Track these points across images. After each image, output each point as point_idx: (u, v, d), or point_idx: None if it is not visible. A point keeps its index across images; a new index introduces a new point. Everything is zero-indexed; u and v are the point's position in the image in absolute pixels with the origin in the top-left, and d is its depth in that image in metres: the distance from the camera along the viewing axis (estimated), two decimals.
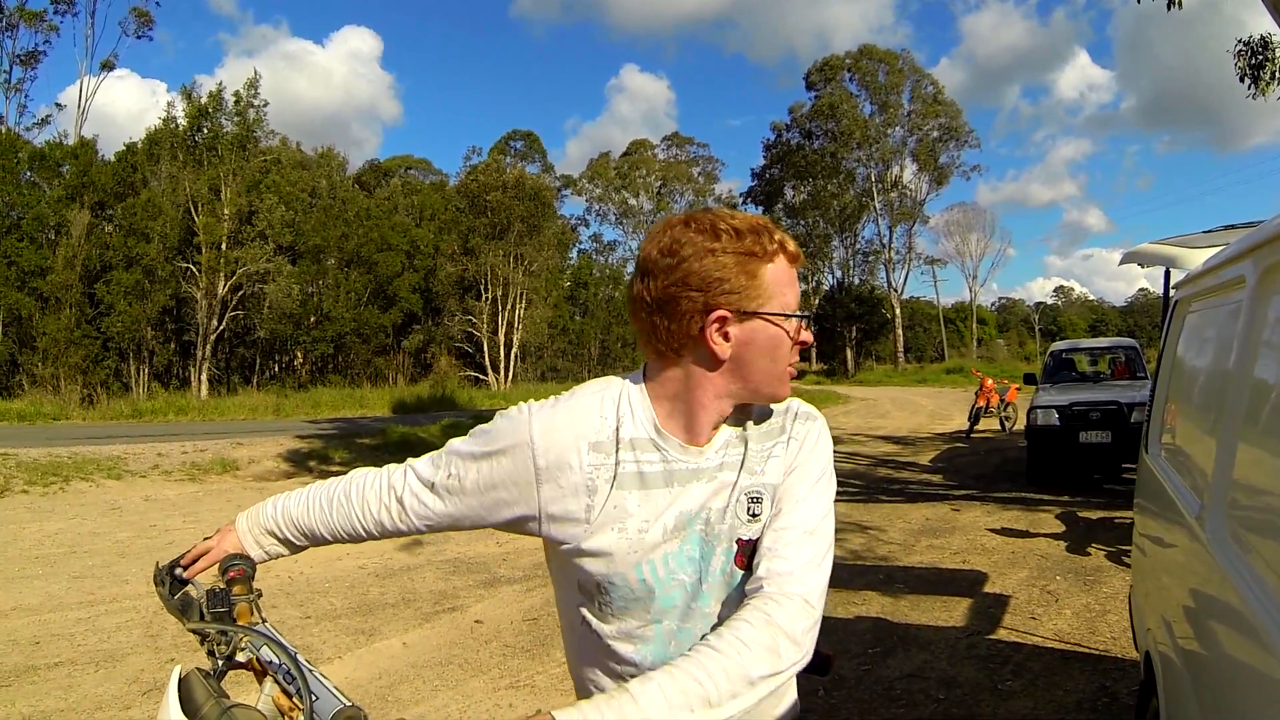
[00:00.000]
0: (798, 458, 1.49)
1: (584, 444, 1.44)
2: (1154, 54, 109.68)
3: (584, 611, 1.51)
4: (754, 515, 1.46)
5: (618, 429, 1.46)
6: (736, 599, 1.43)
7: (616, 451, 1.44)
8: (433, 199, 46.71)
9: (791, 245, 1.47)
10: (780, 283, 1.44)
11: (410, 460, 1.61)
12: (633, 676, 1.39)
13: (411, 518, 1.57)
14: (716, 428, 1.49)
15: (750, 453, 1.48)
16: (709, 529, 1.45)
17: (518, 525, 1.52)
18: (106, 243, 31.61)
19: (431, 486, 1.54)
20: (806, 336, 1.49)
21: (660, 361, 1.46)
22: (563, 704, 1.16)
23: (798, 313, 1.48)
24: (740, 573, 1.46)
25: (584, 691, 1.55)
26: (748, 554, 1.45)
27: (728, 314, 1.39)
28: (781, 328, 1.44)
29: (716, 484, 1.46)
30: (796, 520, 1.43)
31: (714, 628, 1.40)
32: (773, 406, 1.54)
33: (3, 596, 6.72)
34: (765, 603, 1.31)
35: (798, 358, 1.50)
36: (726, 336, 1.40)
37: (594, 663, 1.54)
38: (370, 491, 1.61)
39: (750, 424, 1.51)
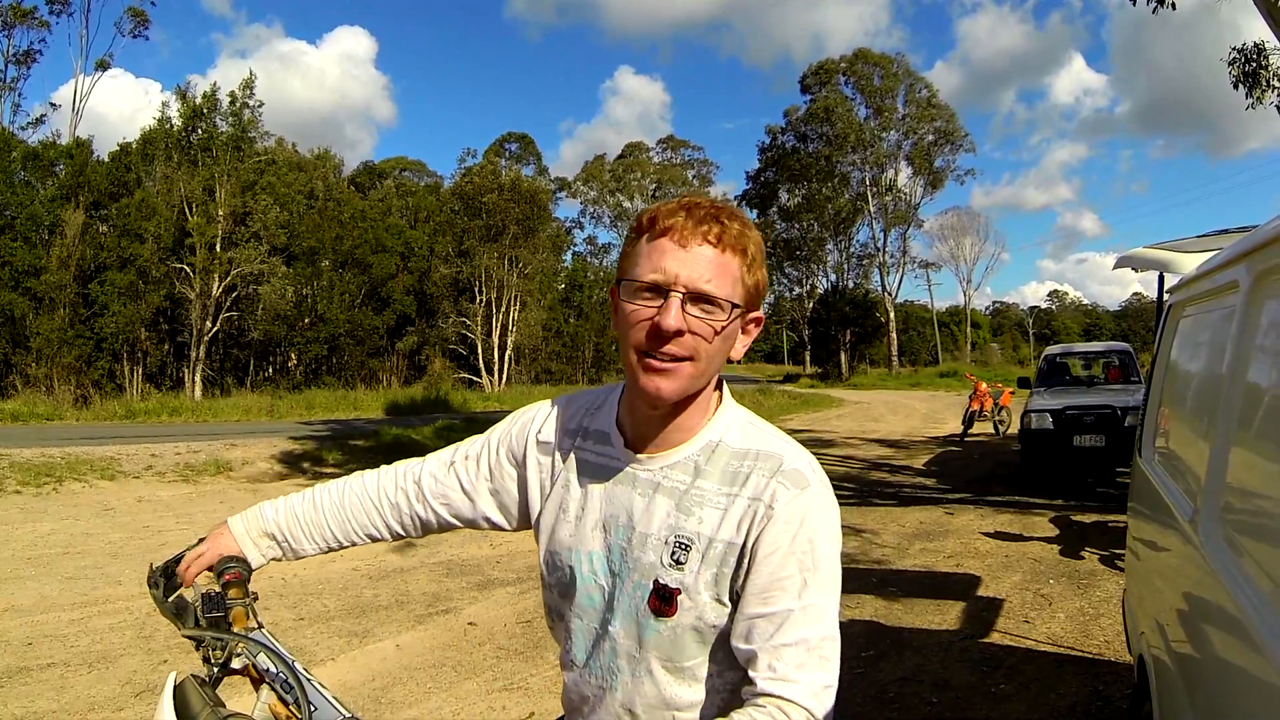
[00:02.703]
0: (776, 538, 1.29)
1: (565, 425, 1.55)
2: (1149, 59, 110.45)
3: (544, 589, 1.57)
4: (678, 563, 1.33)
5: (591, 417, 1.53)
6: (656, 646, 1.36)
7: (577, 438, 1.52)
8: (427, 201, 46.64)
9: (663, 219, 1.31)
10: (642, 253, 1.32)
11: (427, 455, 1.69)
12: (574, 678, 1.50)
13: (429, 498, 1.63)
14: (672, 439, 1.40)
15: (693, 489, 1.36)
16: (629, 548, 1.38)
17: (517, 501, 1.61)
18: (101, 243, 31.49)
19: (450, 464, 1.63)
20: (662, 319, 1.26)
21: None
22: (556, 707, 1.16)
23: (635, 279, 1.30)
24: (652, 617, 1.35)
25: (569, 688, 1.56)
26: (662, 599, 1.34)
27: (615, 287, 1.38)
28: (623, 300, 1.33)
29: (648, 504, 1.38)
30: (796, 635, 1.25)
31: (645, 676, 1.39)
32: (747, 446, 1.38)
33: None
34: (779, 716, 1.21)
35: (659, 343, 1.28)
36: (616, 310, 1.38)
37: (562, 656, 1.56)
38: (386, 478, 1.68)
39: (714, 453, 1.38)
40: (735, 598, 1.32)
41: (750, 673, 1.27)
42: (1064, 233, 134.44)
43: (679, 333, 1.27)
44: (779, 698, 1.22)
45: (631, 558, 1.38)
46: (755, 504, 1.31)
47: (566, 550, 1.46)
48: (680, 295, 1.27)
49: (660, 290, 1.28)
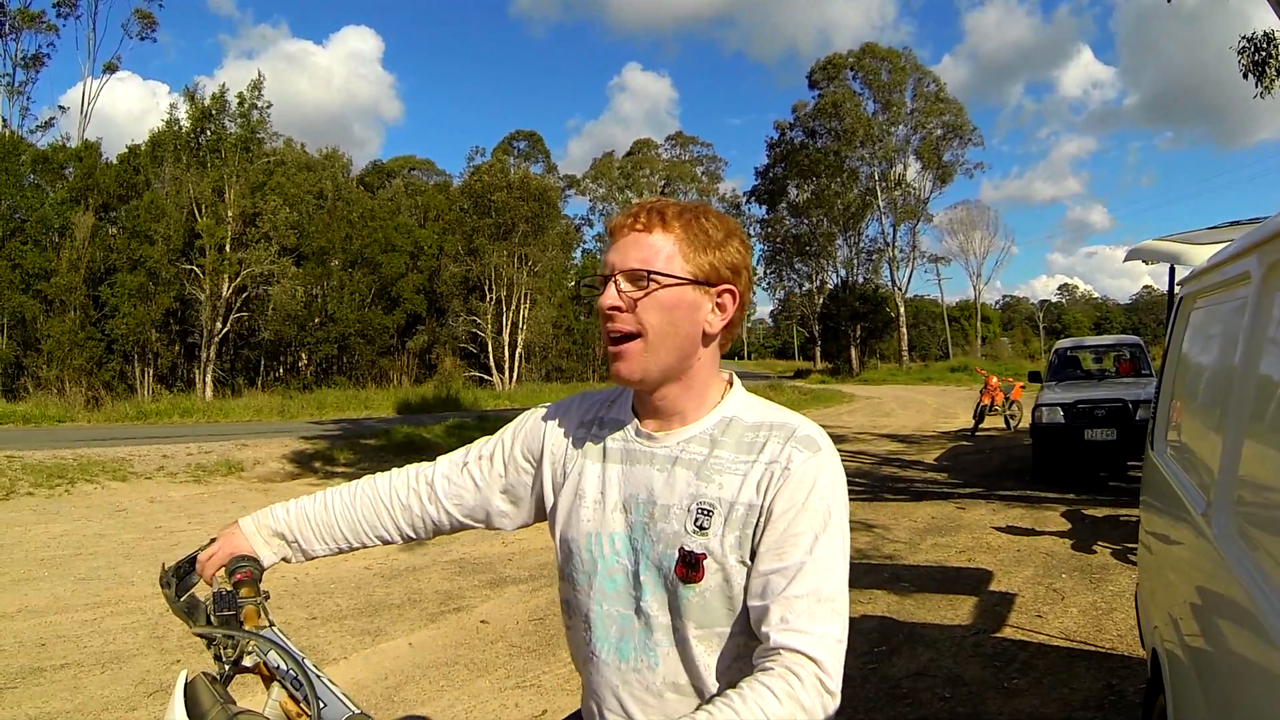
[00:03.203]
0: (792, 495, 1.35)
1: (580, 418, 1.62)
2: (1157, 50, 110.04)
3: (560, 583, 1.59)
4: (701, 528, 1.39)
5: (608, 409, 1.60)
6: (688, 613, 1.40)
7: (594, 426, 1.58)
8: (436, 200, 46.70)
9: (609, 226, 1.49)
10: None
11: (438, 458, 1.73)
12: (596, 670, 1.51)
13: (441, 498, 1.67)
14: (684, 417, 1.48)
15: (712, 458, 1.43)
16: (651, 522, 1.43)
17: (532, 496, 1.65)
18: (110, 245, 31.64)
19: (464, 465, 1.68)
20: (600, 300, 1.43)
21: None
22: (569, 704, 1.16)
23: (587, 280, 1.47)
24: (681, 584, 1.39)
25: (588, 683, 1.57)
26: (689, 565, 1.38)
27: None
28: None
29: (667, 477, 1.44)
30: (808, 586, 1.30)
31: (681, 646, 1.42)
32: (762, 418, 1.46)
33: (9, 598, 6.74)
34: (788, 676, 1.22)
35: (605, 323, 1.43)
36: None
37: (574, 646, 1.59)
38: (398, 480, 1.71)
39: (729, 427, 1.46)
40: (755, 557, 1.37)
41: (764, 627, 1.30)
42: (1073, 226, 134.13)
43: (617, 309, 1.41)
44: (790, 650, 1.25)
45: (655, 531, 1.43)
46: (773, 466, 1.38)
47: (586, 535, 1.50)
48: (615, 277, 1.42)
49: (606, 281, 1.43)
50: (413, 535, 1.71)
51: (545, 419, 1.65)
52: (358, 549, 1.73)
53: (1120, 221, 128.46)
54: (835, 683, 1.25)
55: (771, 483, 1.36)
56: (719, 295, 1.45)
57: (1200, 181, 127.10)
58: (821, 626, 1.27)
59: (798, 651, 1.24)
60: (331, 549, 1.71)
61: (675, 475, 1.43)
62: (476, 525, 1.69)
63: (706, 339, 1.46)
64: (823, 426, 1.47)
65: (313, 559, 1.73)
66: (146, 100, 74.61)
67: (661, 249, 1.41)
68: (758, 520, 1.36)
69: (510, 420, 1.71)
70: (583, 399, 1.66)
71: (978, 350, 64.03)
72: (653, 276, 1.39)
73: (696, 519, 1.39)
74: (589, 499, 1.51)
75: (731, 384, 1.53)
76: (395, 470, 1.74)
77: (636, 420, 1.53)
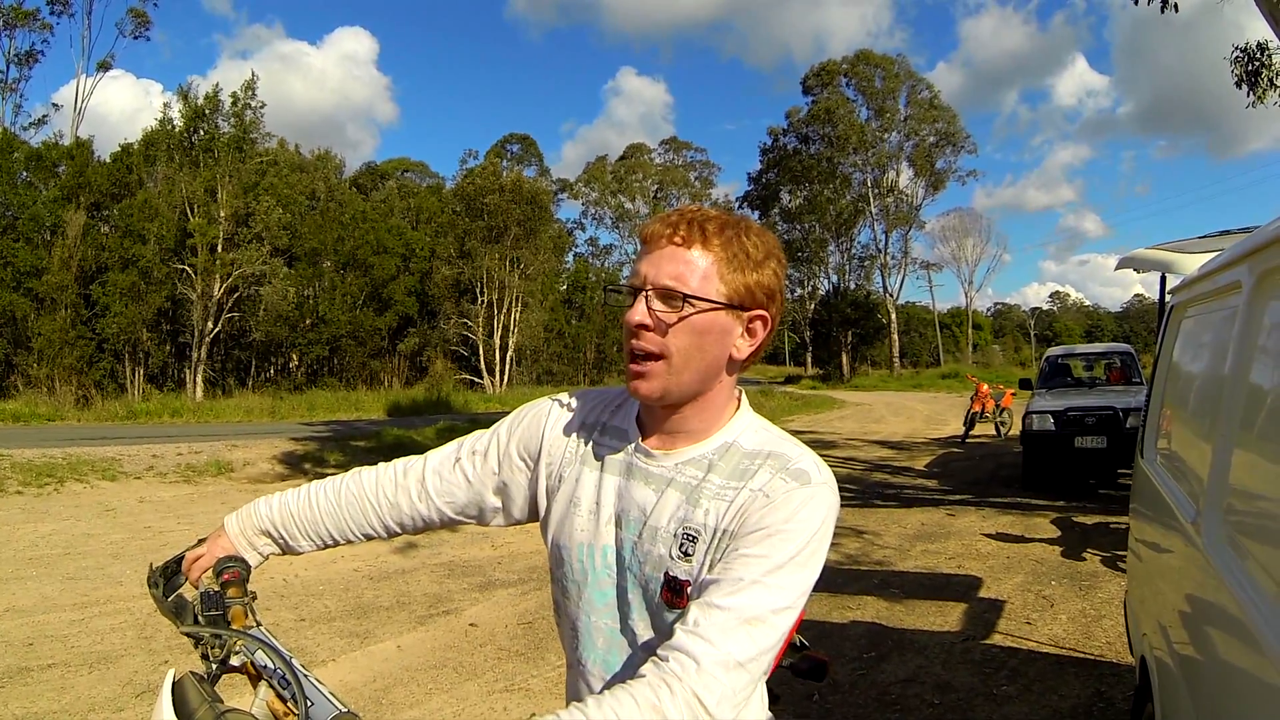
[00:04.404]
0: (761, 519, 1.28)
1: (582, 420, 1.56)
2: (1152, 59, 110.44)
3: (552, 585, 1.58)
4: (686, 554, 1.34)
5: (612, 414, 1.55)
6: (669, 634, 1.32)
7: (595, 431, 1.54)
8: (429, 202, 46.64)
9: (645, 231, 1.40)
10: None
11: (427, 452, 1.68)
12: (581, 677, 1.49)
13: (432, 495, 1.62)
14: (688, 438, 1.43)
15: (704, 484, 1.37)
16: (640, 541, 1.40)
17: (525, 495, 1.60)
18: (102, 244, 31.51)
19: (456, 461, 1.63)
20: (628, 314, 1.36)
21: None
22: (557, 708, 1.15)
23: (614, 285, 1.41)
24: (666, 609, 1.36)
25: (572, 687, 1.56)
26: (674, 591, 1.34)
27: None
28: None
29: (660, 498, 1.40)
30: (738, 602, 1.21)
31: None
32: (761, 446, 1.39)
33: None
34: (660, 686, 1.14)
35: (630, 338, 1.37)
36: None
37: (563, 646, 1.58)
38: (384, 478, 1.66)
39: (727, 453, 1.40)
40: None
41: (677, 624, 1.23)
42: (1066, 234, 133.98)
43: (644, 326, 1.34)
44: (682, 653, 1.17)
45: (642, 551, 1.39)
46: (756, 494, 1.31)
47: (578, 545, 1.47)
48: (646, 292, 1.35)
49: (635, 292, 1.37)
50: (399, 531, 1.67)
51: (545, 417, 1.59)
52: (343, 545, 1.70)
53: (1113, 229, 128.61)
54: (715, 704, 1.15)
55: (751, 509, 1.30)
56: (750, 321, 1.39)
57: (1194, 190, 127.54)
58: (730, 643, 1.18)
59: (689, 656, 1.16)
60: (316, 546, 1.68)
61: (667, 497, 1.39)
62: (468, 521, 1.66)
63: (732, 365, 1.41)
64: (813, 432, 1.43)
65: (299, 555, 1.71)
66: (140, 99, 74.61)
67: (699, 268, 1.34)
68: (729, 544, 1.30)
69: (506, 416, 1.66)
70: (584, 398, 1.60)
71: (969, 357, 64.02)
72: (688, 299, 1.33)
73: (682, 545, 1.35)
74: (584, 508, 1.48)
75: (740, 404, 1.48)
76: (382, 465, 1.68)
77: (640, 434, 1.47)
